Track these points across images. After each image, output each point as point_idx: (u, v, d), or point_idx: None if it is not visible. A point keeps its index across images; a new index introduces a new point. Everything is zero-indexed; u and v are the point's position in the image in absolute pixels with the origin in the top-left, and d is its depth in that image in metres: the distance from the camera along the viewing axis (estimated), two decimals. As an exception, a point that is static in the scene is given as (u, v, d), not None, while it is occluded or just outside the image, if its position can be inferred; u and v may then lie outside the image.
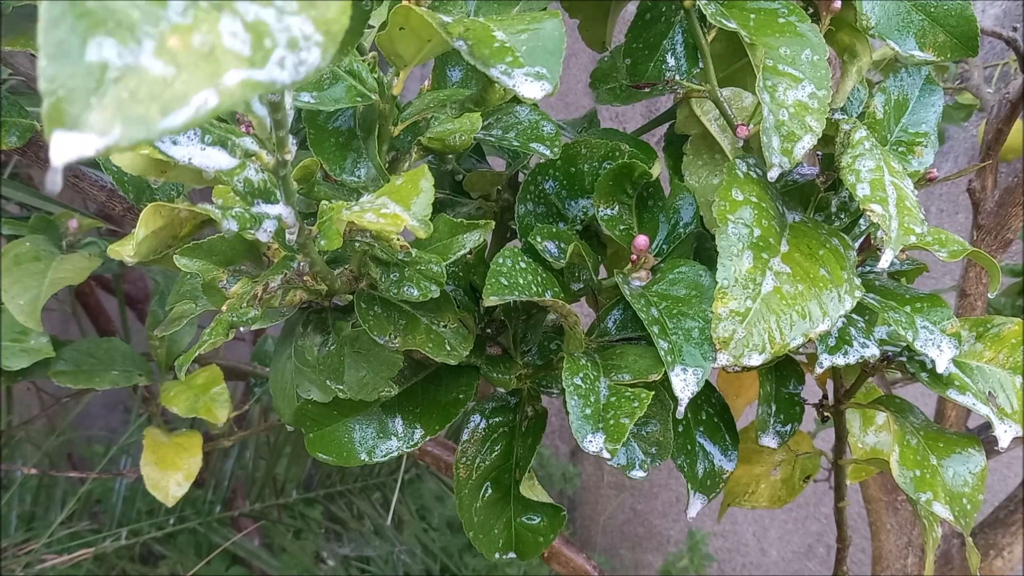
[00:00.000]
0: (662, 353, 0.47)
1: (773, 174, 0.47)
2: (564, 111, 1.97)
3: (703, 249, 0.58)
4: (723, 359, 0.45)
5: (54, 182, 0.21)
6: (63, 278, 0.70)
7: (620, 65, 0.58)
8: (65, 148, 0.20)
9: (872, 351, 0.53)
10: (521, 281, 0.49)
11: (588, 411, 0.47)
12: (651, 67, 0.56)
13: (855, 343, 0.53)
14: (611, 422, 0.46)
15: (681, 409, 0.47)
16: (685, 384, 0.47)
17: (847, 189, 0.48)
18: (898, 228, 0.46)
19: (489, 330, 0.56)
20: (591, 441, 0.46)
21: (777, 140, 0.47)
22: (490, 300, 0.46)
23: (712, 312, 0.45)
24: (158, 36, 0.21)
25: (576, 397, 0.47)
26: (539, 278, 0.50)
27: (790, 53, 0.49)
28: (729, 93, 0.56)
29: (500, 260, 0.48)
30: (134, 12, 0.21)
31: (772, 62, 0.48)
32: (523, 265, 0.49)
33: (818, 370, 0.53)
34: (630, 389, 0.48)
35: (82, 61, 0.20)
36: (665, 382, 0.49)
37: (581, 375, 0.49)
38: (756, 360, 0.45)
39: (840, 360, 0.53)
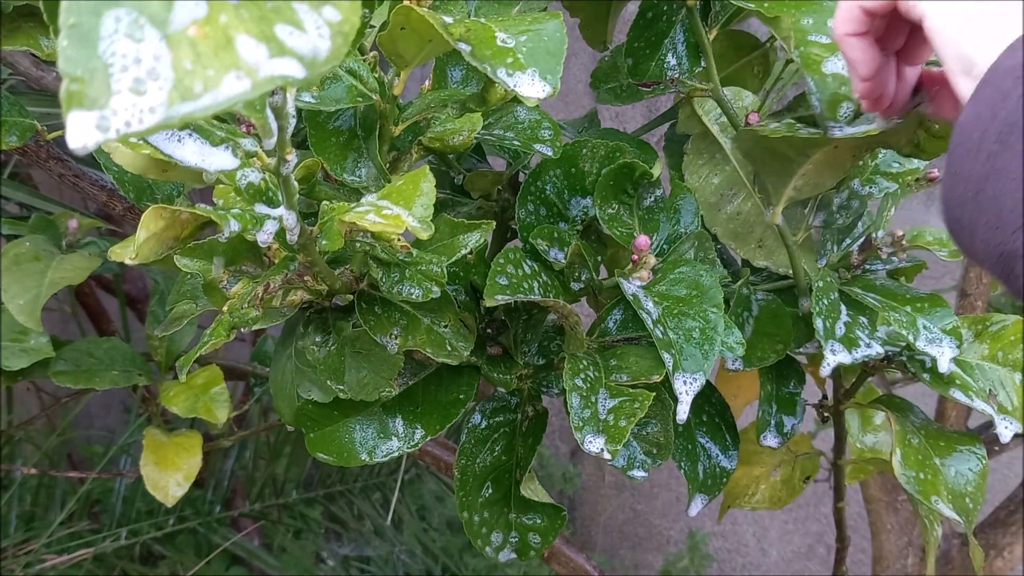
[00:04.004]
0: (668, 362, 0.47)
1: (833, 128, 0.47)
2: (564, 111, 1.97)
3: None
4: None
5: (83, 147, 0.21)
6: (63, 278, 0.69)
7: (621, 64, 0.58)
8: (82, 129, 0.20)
9: (876, 350, 0.53)
10: (523, 282, 0.49)
11: (588, 412, 0.47)
12: (653, 66, 0.56)
13: (861, 343, 0.53)
14: (612, 423, 0.46)
15: (683, 409, 0.47)
16: (687, 388, 0.47)
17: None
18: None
19: (490, 330, 0.56)
20: (592, 442, 0.46)
21: (823, 104, 0.48)
22: (491, 301, 0.46)
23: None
24: (179, 25, 0.21)
25: (577, 398, 0.47)
26: (540, 279, 0.50)
27: (812, 23, 0.49)
28: (729, 93, 0.56)
29: (501, 261, 0.48)
30: (155, 1, 0.21)
31: (797, 32, 0.49)
32: (524, 266, 0.49)
33: (825, 370, 0.53)
34: (631, 390, 0.48)
35: (102, 44, 0.20)
36: (665, 383, 0.49)
37: (582, 376, 0.49)
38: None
39: (846, 359, 0.53)
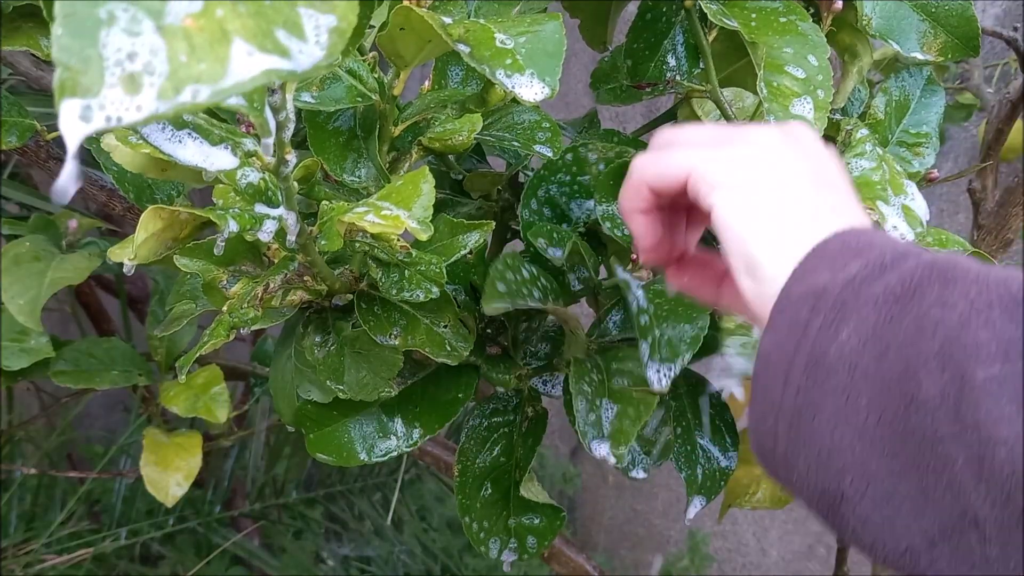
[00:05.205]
0: (644, 353, 0.47)
1: None
2: (564, 111, 1.97)
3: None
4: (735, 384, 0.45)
5: (65, 190, 0.20)
6: (63, 278, 0.69)
7: (621, 65, 0.58)
8: (75, 118, 0.20)
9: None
10: (522, 288, 0.48)
11: (593, 416, 0.47)
12: (652, 67, 0.56)
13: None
14: (616, 427, 0.47)
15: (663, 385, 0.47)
16: (659, 377, 0.47)
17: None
18: (896, 227, 0.46)
19: (489, 330, 0.56)
20: (598, 447, 0.46)
21: None
22: (490, 309, 0.46)
23: (722, 327, 0.45)
24: (174, 16, 0.21)
25: (583, 401, 0.47)
26: (539, 283, 0.50)
27: (792, 53, 0.49)
28: (730, 94, 0.56)
29: (499, 267, 0.47)
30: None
31: (773, 61, 0.48)
32: (523, 271, 0.49)
33: None
34: (634, 394, 0.48)
35: (97, 32, 0.20)
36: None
37: (587, 379, 0.49)
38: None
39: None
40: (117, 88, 0.20)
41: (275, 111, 0.35)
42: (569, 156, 0.54)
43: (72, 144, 0.20)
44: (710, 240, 0.44)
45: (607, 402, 0.48)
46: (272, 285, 0.45)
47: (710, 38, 0.55)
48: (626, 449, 0.46)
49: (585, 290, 0.55)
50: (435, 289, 0.45)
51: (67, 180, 0.21)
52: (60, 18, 0.20)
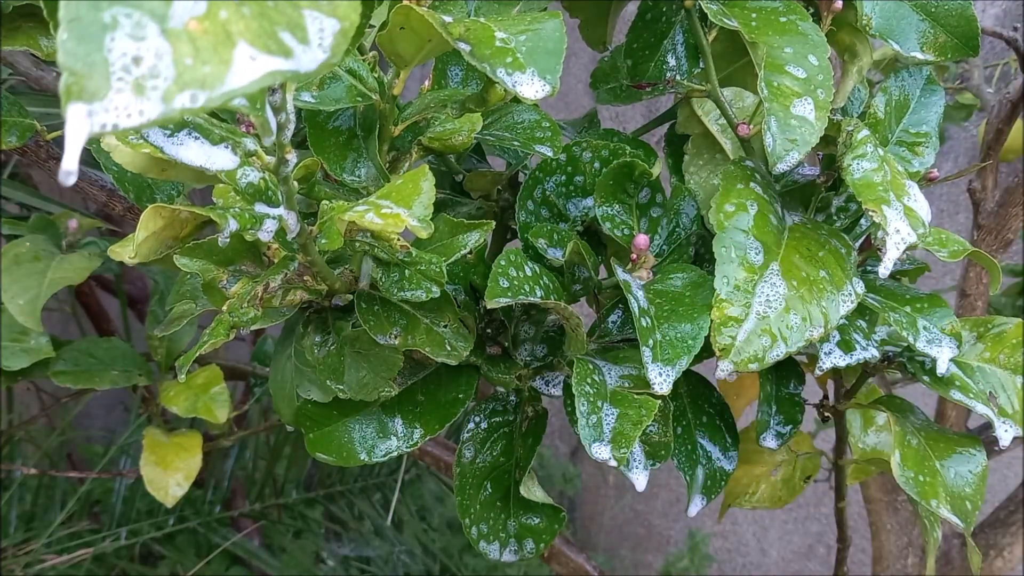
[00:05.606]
0: (647, 355, 0.47)
1: (778, 169, 0.47)
2: (564, 111, 1.97)
3: (698, 254, 0.58)
4: (725, 367, 0.45)
5: (68, 173, 0.21)
6: (63, 278, 0.70)
7: (621, 65, 0.58)
8: (81, 122, 0.20)
9: (872, 353, 0.53)
10: (524, 284, 0.48)
11: (595, 418, 0.47)
12: (652, 67, 0.56)
13: (856, 346, 0.53)
14: (618, 430, 0.46)
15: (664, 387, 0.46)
16: (662, 380, 0.47)
17: (850, 188, 0.48)
18: (898, 230, 0.46)
19: (489, 330, 0.56)
20: (599, 450, 0.46)
21: (779, 140, 0.47)
22: (493, 303, 0.46)
23: (712, 320, 0.45)
24: (178, 19, 0.21)
25: (585, 403, 0.47)
26: (542, 281, 0.50)
27: (792, 53, 0.49)
28: (730, 93, 0.56)
29: (503, 263, 0.48)
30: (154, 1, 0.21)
31: (774, 61, 0.48)
32: (526, 268, 0.49)
33: (818, 372, 0.53)
34: (637, 396, 0.48)
35: (102, 36, 0.20)
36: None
37: (589, 380, 0.49)
38: (756, 366, 0.45)
39: (841, 362, 0.53)
40: (123, 92, 0.20)
41: (275, 111, 0.35)
42: (563, 156, 0.54)
43: (77, 146, 0.20)
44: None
45: (608, 405, 0.48)
46: (272, 285, 0.45)
47: (710, 38, 0.55)
48: (628, 452, 0.46)
49: (585, 290, 0.55)
50: (435, 288, 0.45)
51: (70, 165, 0.21)
52: (65, 23, 0.20)
